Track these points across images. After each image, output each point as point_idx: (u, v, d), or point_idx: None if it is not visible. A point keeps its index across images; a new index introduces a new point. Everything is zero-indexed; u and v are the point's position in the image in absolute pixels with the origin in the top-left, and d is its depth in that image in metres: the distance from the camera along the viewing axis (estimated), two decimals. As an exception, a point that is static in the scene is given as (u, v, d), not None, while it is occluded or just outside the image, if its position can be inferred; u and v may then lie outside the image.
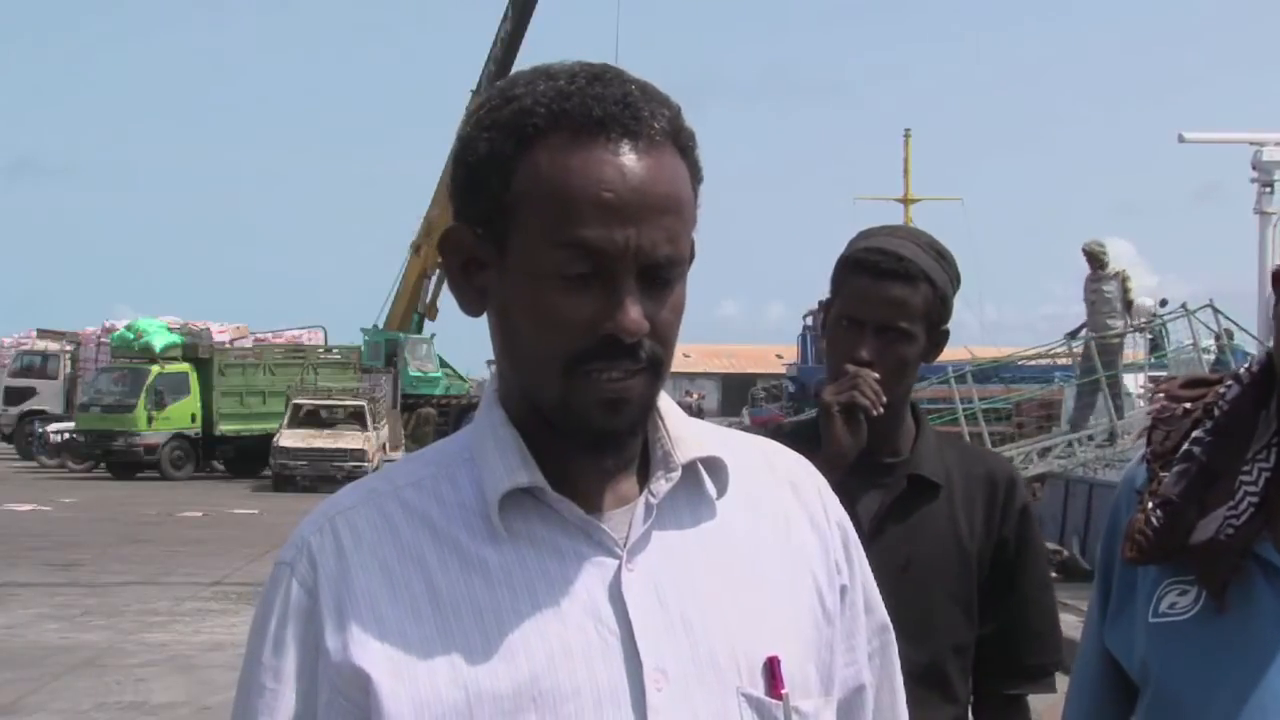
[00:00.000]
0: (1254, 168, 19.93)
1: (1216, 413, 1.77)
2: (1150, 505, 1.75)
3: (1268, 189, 19.79)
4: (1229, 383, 1.78)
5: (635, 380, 1.32)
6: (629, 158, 1.31)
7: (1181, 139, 20.88)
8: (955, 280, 2.45)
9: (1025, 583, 2.44)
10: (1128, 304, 16.49)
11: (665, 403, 1.42)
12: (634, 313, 1.30)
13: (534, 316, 1.32)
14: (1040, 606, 2.47)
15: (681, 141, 1.35)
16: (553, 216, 1.30)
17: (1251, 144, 19.99)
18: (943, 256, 2.44)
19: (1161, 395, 1.86)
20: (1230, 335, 17.66)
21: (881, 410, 2.36)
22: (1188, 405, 1.81)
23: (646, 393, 1.34)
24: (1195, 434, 1.77)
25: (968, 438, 17.35)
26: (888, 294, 2.37)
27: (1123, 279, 16.60)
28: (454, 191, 1.38)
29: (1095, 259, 16.67)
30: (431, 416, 36.45)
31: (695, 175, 1.36)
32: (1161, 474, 1.77)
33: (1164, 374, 16.47)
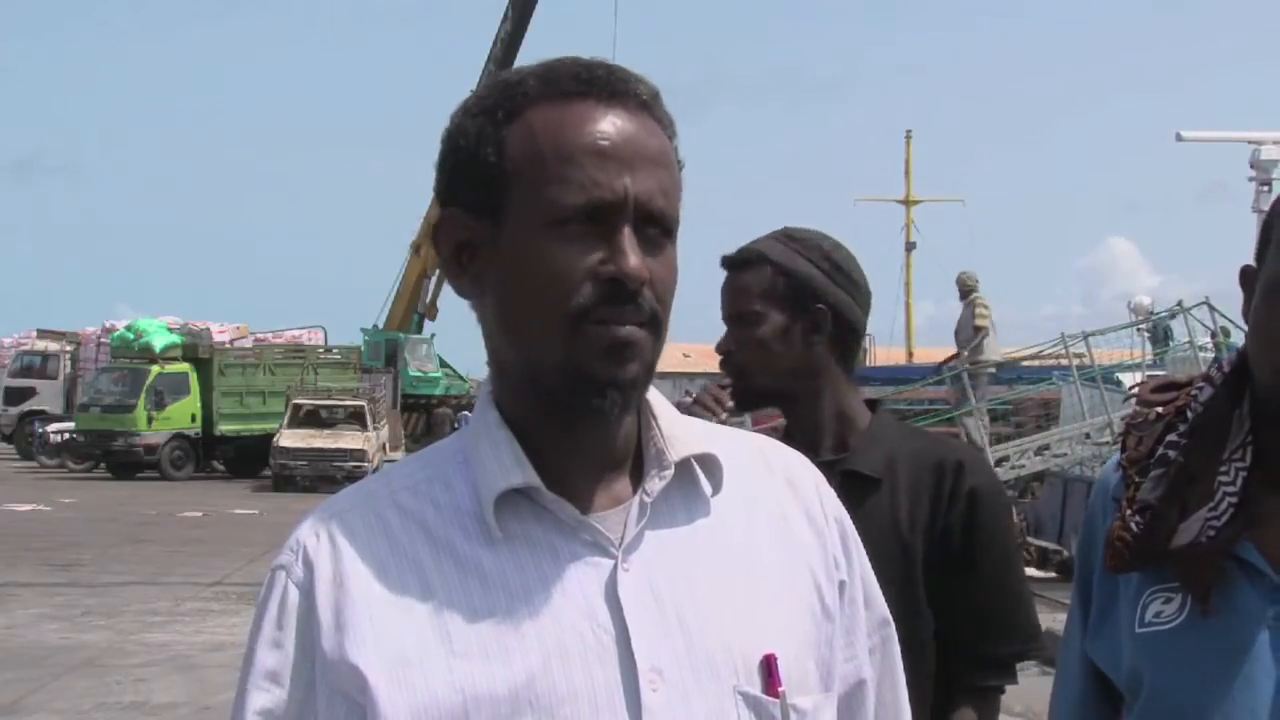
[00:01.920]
0: (1252, 166, 19.94)
1: (1190, 414, 1.76)
2: (1129, 512, 1.74)
3: (1265, 188, 19.79)
4: (1200, 384, 1.78)
5: (637, 331, 1.34)
6: (619, 113, 1.35)
7: (1179, 138, 20.90)
8: (815, 259, 2.49)
9: (981, 569, 2.38)
10: (976, 329, 16.76)
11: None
12: (635, 258, 1.32)
13: (536, 272, 1.33)
14: (1002, 593, 2.41)
15: (661, 118, 1.39)
16: (550, 169, 1.33)
17: (1250, 143, 20.01)
18: (791, 238, 2.51)
19: (1134, 400, 1.85)
20: (1227, 334, 17.66)
21: (730, 406, 2.47)
22: (1160, 409, 1.80)
23: (649, 348, 1.35)
24: (1169, 438, 1.76)
25: (965, 438, 17.38)
26: (730, 285, 2.52)
27: (973, 306, 16.89)
28: (443, 179, 1.40)
29: (959, 288, 17.14)
30: (448, 416, 36.39)
31: (676, 157, 1.40)
32: (1137, 480, 1.76)
33: (1162, 373, 16.47)
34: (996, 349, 17.08)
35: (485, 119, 1.37)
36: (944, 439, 2.73)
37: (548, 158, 1.33)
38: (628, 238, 1.33)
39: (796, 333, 2.48)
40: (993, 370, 17.08)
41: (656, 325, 1.36)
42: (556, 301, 1.33)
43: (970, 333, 16.96)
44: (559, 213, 1.32)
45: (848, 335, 2.51)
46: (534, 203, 1.33)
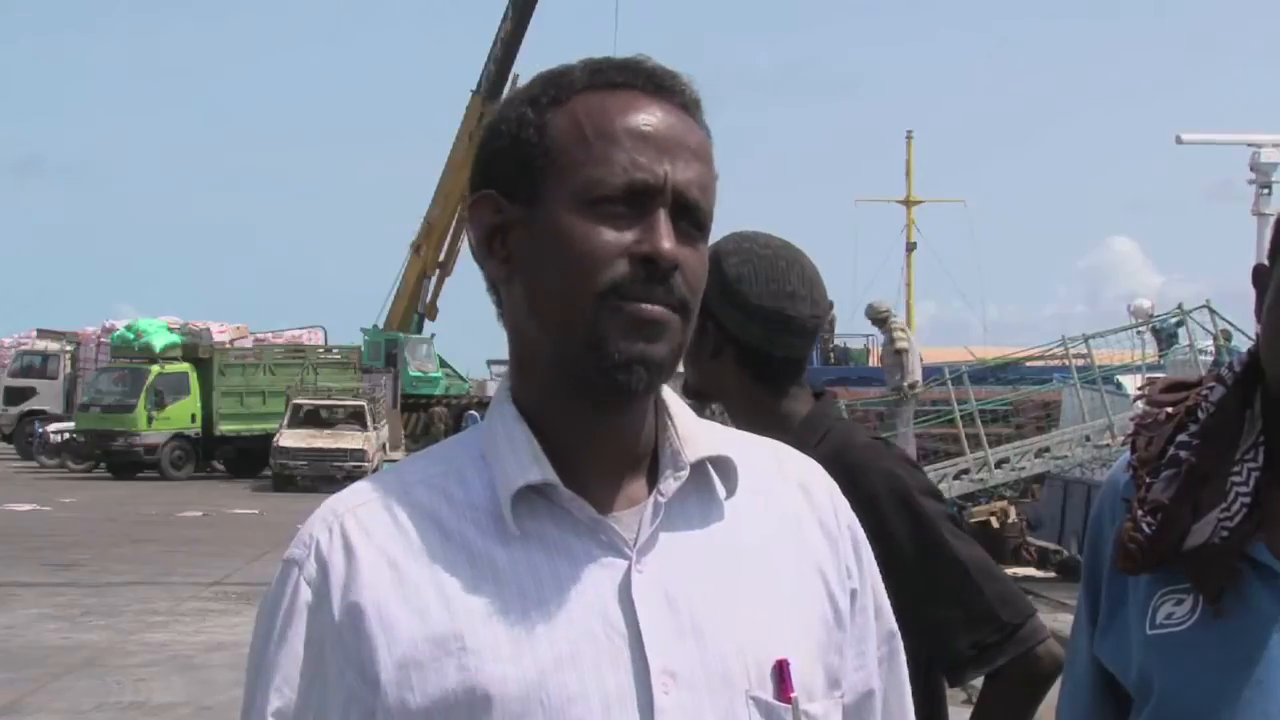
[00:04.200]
0: (1252, 169, 19.94)
1: (1200, 414, 1.75)
2: (1140, 513, 1.73)
3: (1265, 190, 19.79)
4: (1211, 384, 1.77)
5: (667, 312, 1.34)
6: (663, 106, 1.37)
7: (1179, 140, 20.91)
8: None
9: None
10: (897, 353, 17.10)
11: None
12: (669, 241, 1.33)
13: (569, 248, 1.33)
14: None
15: (702, 126, 1.40)
16: (592, 149, 1.34)
17: (1249, 145, 20.01)
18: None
19: (1142, 401, 1.84)
20: (1228, 336, 17.68)
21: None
22: (1169, 410, 1.79)
23: (678, 332, 1.35)
24: (1180, 438, 1.75)
25: (964, 438, 17.43)
26: None
27: (890, 331, 17.34)
28: (479, 167, 1.41)
29: (871, 319, 17.71)
30: (444, 415, 36.46)
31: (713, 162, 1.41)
32: (1148, 480, 1.75)
33: (1163, 375, 16.50)
34: (917, 367, 17.38)
35: (529, 106, 1.38)
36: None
37: (590, 138, 1.34)
38: (663, 221, 1.33)
39: (699, 347, 2.42)
40: (917, 391, 17.34)
41: (687, 311, 1.36)
42: (587, 276, 1.32)
43: (889, 357, 17.33)
44: (598, 191, 1.33)
45: (748, 356, 2.43)
46: (572, 181, 1.34)
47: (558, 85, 1.38)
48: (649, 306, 1.33)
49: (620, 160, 1.33)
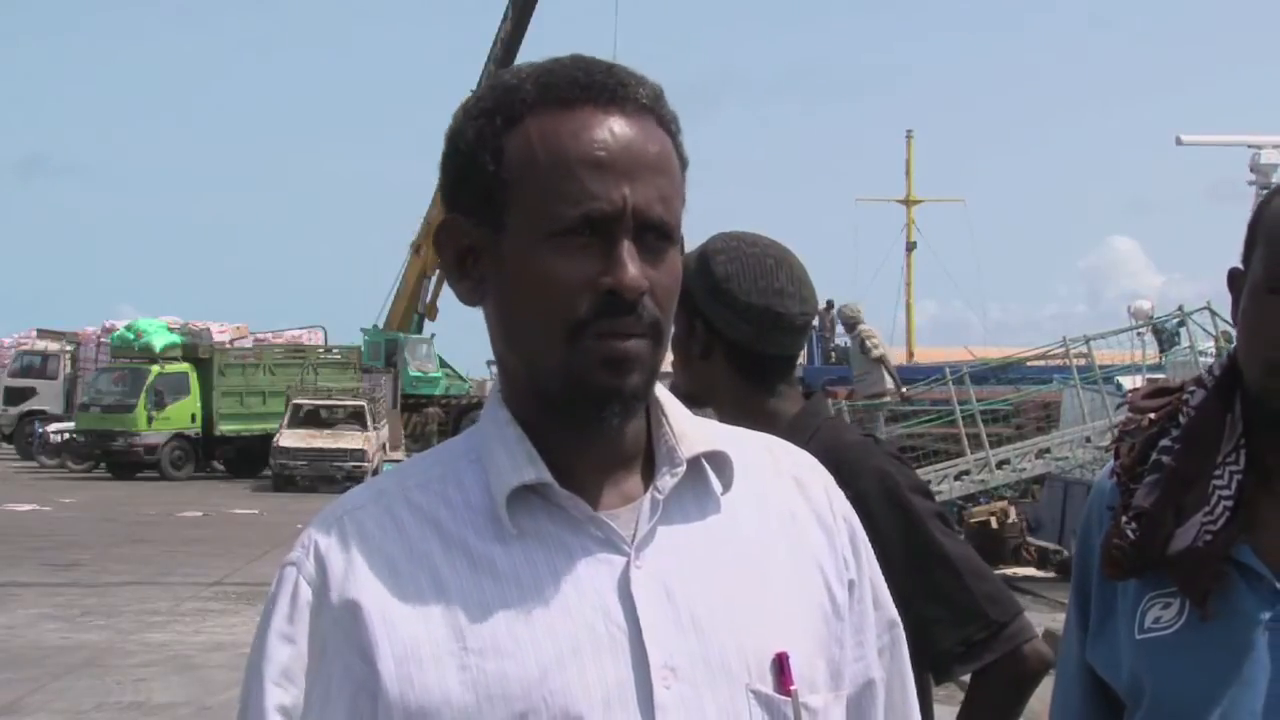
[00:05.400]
0: (1252, 170, 19.95)
1: (1182, 419, 1.77)
2: (1124, 519, 1.75)
3: (1265, 191, 19.77)
4: (1192, 388, 1.79)
5: (638, 343, 1.33)
6: (617, 120, 1.34)
7: (1179, 141, 20.93)
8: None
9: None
10: (875, 360, 17.18)
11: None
12: (633, 268, 1.32)
13: (533, 283, 1.33)
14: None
15: (664, 117, 1.38)
16: (547, 181, 1.32)
17: (1249, 146, 20.01)
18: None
19: (1126, 408, 1.86)
20: (1229, 338, 17.67)
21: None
22: (1152, 415, 1.80)
23: (650, 358, 1.35)
24: (1162, 443, 1.77)
25: (965, 438, 17.44)
26: None
27: (861, 337, 17.35)
28: (445, 184, 1.40)
29: (843, 321, 17.83)
30: (437, 416, 36.49)
31: (680, 156, 1.39)
32: (1132, 486, 1.76)
33: (1162, 376, 16.51)
34: (891, 375, 17.42)
35: (484, 122, 1.36)
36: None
37: (545, 169, 1.33)
38: (626, 248, 1.32)
39: (688, 347, 2.45)
40: (891, 400, 17.36)
41: (658, 333, 1.35)
42: (554, 313, 1.32)
43: (864, 364, 17.33)
44: (556, 225, 1.32)
45: (738, 354, 2.45)
46: (532, 214, 1.33)
47: (509, 103, 1.35)
48: (619, 344, 1.33)
49: (575, 191, 1.32)
